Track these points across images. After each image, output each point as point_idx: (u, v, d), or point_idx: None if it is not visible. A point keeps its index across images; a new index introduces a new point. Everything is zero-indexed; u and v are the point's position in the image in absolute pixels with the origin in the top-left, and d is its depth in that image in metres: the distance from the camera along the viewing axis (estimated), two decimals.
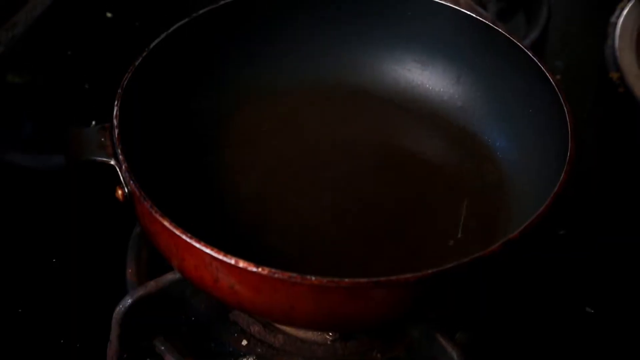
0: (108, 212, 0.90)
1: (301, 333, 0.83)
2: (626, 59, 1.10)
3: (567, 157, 0.77)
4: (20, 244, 0.92)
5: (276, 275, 0.69)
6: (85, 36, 1.12)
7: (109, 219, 0.92)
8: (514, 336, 0.87)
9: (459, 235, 0.84)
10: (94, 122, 1.01)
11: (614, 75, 1.10)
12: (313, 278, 0.69)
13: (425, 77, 0.95)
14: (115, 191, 0.77)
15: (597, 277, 0.92)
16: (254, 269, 0.69)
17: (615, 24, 1.14)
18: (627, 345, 0.88)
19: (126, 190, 0.76)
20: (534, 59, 0.86)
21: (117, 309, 0.79)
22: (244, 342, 0.84)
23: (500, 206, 0.86)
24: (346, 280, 0.69)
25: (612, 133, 1.08)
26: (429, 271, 0.69)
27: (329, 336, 0.83)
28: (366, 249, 0.83)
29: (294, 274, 0.69)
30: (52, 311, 0.87)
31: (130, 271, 0.87)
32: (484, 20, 0.90)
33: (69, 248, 0.91)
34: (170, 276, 0.80)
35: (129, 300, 0.79)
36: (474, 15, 0.91)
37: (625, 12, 1.15)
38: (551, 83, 0.84)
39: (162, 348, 0.82)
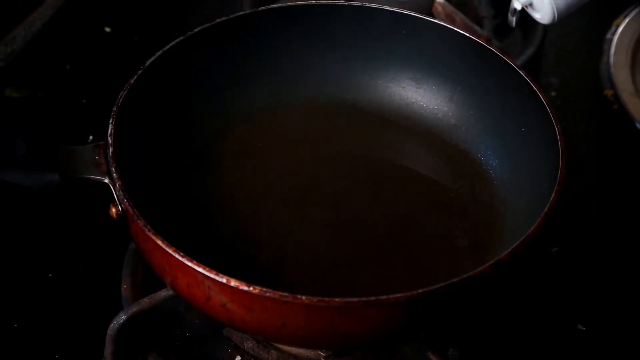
0: (104, 228, 0.91)
1: (294, 350, 0.84)
2: (621, 76, 1.11)
3: (558, 178, 0.78)
4: (16, 259, 0.92)
5: (267, 294, 0.70)
6: (84, 51, 1.13)
7: (105, 235, 0.92)
8: (505, 354, 0.87)
9: (450, 253, 0.85)
10: (91, 137, 1.02)
11: (609, 92, 1.10)
12: (304, 297, 0.69)
13: (419, 95, 0.96)
14: (109, 209, 0.78)
15: (589, 295, 0.92)
16: (245, 288, 0.70)
17: (611, 40, 1.15)
18: None
19: (120, 208, 0.77)
20: (527, 78, 0.86)
21: (111, 325, 0.80)
22: (238, 358, 0.84)
23: (491, 224, 0.87)
24: (336, 299, 0.69)
25: (606, 150, 1.09)
26: (419, 291, 0.70)
27: (322, 353, 0.83)
28: (359, 266, 0.84)
29: (285, 293, 0.69)
30: (47, 326, 0.88)
31: (125, 287, 0.87)
32: (478, 40, 0.91)
33: (65, 264, 0.92)
34: (164, 293, 0.81)
35: (122, 317, 0.80)
36: (467, 35, 0.92)
37: (620, 29, 1.16)
38: (543, 103, 0.84)
39: None
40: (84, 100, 1.07)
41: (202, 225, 0.85)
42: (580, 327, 0.90)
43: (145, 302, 0.81)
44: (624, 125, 1.07)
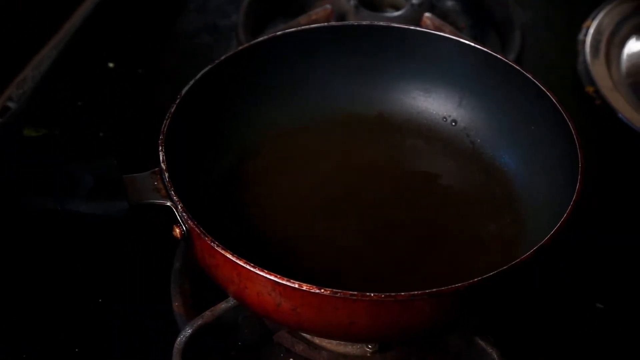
0: (143, 252, 0.96)
1: (341, 348, 0.89)
2: (599, 72, 1.19)
3: (579, 170, 0.85)
4: (67, 287, 0.96)
5: (338, 295, 0.75)
6: (93, 86, 1.17)
7: (144, 257, 0.97)
8: (528, 334, 0.94)
9: (480, 250, 0.91)
10: None
11: (590, 89, 1.18)
12: (372, 294, 0.75)
13: (429, 103, 1.02)
14: (172, 230, 0.82)
15: (606, 274, 0.99)
16: (317, 291, 0.75)
17: (584, 41, 1.23)
18: (638, 339, 0.95)
19: (184, 228, 0.82)
20: (533, 79, 0.93)
21: (178, 339, 0.85)
22: None
23: (515, 220, 0.93)
24: (402, 293, 0.75)
25: (593, 141, 1.16)
26: (475, 280, 0.76)
27: (369, 348, 0.88)
28: (396, 266, 0.90)
29: (354, 292, 0.75)
30: (107, 348, 0.92)
31: (177, 304, 0.92)
32: (478, 46, 0.98)
33: (111, 289, 0.96)
34: (223, 305, 0.86)
35: (189, 331, 0.85)
36: (468, 42, 0.98)
37: (591, 30, 1.24)
38: (552, 100, 0.91)
39: None
40: (101, 134, 1.11)
41: (249, 236, 0.91)
42: (599, 305, 0.97)
43: (207, 315, 0.86)
44: (607, 117, 1.15)
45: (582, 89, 1.19)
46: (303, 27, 0.99)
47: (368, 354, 0.89)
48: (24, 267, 0.96)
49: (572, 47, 1.24)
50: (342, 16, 1.17)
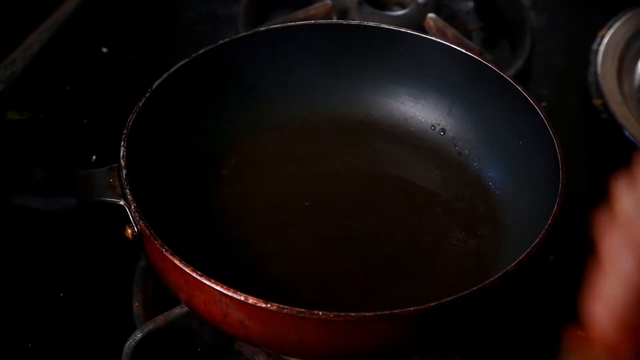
0: (112, 247, 0.93)
1: None
2: (609, 85, 1.13)
3: (559, 191, 0.80)
4: (29, 280, 0.94)
5: (285, 311, 0.72)
6: (83, 71, 1.14)
7: (113, 253, 0.93)
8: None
9: (456, 265, 0.87)
10: (94, 157, 1.03)
11: (597, 101, 1.13)
12: (320, 313, 0.71)
13: (417, 110, 0.98)
14: (124, 230, 0.79)
15: None
16: (263, 305, 0.72)
17: (597, 51, 1.17)
18: None
19: (135, 229, 0.79)
20: (523, 92, 0.89)
21: (128, 343, 0.82)
22: None
23: (495, 235, 0.89)
24: (352, 314, 0.71)
25: (597, 157, 1.11)
26: (432, 304, 0.72)
27: None
28: (366, 281, 0.86)
29: (302, 309, 0.71)
30: (61, 345, 0.89)
31: (137, 304, 0.89)
32: (472, 55, 0.93)
33: (76, 283, 0.93)
34: (177, 310, 0.83)
35: (138, 335, 0.82)
36: (462, 50, 0.94)
37: (605, 40, 1.18)
38: (541, 116, 0.87)
39: None
40: (85, 121, 1.08)
41: (212, 242, 0.87)
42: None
43: (160, 319, 0.82)
44: (613, 133, 1.10)
45: (589, 101, 1.14)
46: (289, 23, 0.96)
47: None
48: None
49: (585, 56, 1.18)
50: (343, 13, 1.13)
